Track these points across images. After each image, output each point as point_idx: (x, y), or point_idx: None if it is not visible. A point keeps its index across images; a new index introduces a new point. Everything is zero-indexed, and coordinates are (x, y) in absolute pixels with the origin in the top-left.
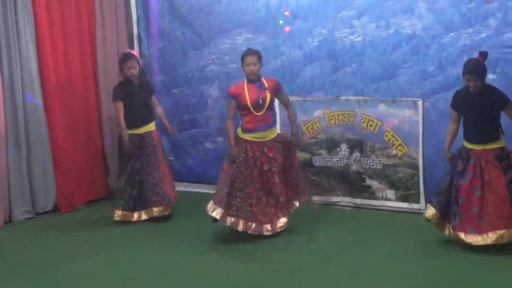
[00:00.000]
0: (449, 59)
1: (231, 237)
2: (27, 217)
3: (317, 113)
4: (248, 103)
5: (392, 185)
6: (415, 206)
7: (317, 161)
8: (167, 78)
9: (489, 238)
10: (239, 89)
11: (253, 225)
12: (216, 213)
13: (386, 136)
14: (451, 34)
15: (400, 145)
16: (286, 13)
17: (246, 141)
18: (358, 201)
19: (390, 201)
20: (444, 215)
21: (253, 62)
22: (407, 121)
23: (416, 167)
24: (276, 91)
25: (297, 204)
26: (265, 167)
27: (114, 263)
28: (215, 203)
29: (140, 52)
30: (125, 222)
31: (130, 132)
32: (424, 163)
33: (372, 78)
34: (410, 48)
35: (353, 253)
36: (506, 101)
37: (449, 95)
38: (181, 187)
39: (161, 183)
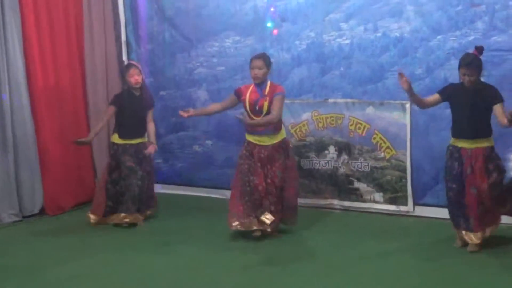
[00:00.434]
0: (436, 62)
1: (226, 237)
2: (14, 220)
3: (305, 115)
4: (247, 106)
5: (380, 187)
6: (402, 208)
7: (305, 164)
8: (155, 81)
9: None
10: (244, 89)
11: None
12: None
13: (374, 138)
14: (438, 37)
15: (388, 147)
16: (272, 9)
17: (248, 141)
18: (346, 203)
19: (378, 204)
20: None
21: (258, 66)
22: (395, 123)
23: (404, 170)
24: (272, 97)
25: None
26: (266, 166)
27: (103, 265)
28: (232, 217)
29: (128, 54)
30: (115, 225)
31: (124, 142)
32: (412, 165)
33: (360, 81)
34: (398, 51)
35: (342, 255)
36: (499, 98)
37: None
38: (169, 189)
39: (152, 187)
